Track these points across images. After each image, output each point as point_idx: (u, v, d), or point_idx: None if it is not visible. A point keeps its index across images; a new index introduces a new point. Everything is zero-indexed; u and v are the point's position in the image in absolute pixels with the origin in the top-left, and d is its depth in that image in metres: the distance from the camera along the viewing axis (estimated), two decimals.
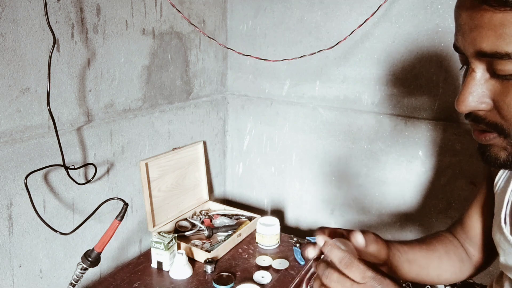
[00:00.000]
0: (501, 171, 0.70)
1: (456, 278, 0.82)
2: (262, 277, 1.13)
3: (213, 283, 1.10)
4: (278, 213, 1.62)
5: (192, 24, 1.36)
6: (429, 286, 0.96)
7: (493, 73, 0.47)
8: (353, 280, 0.55)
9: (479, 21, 0.45)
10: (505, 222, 0.65)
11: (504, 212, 0.66)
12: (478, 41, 0.46)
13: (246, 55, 1.43)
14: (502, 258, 0.67)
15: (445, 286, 0.95)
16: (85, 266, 0.87)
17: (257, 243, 1.30)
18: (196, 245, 1.25)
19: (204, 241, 1.29)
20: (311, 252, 0.63)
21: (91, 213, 1.01)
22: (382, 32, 1.27)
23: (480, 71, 0.48)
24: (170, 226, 1.33)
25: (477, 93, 0.49)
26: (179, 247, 1.21)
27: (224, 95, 1.64)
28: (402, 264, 0.75)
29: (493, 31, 0.44)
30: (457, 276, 0.82)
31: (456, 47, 0.52)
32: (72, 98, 1.02)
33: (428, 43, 1.20)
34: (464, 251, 0.82)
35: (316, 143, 1.47)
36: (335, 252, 0.57)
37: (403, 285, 1.04)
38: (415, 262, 0.77)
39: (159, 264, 1.16)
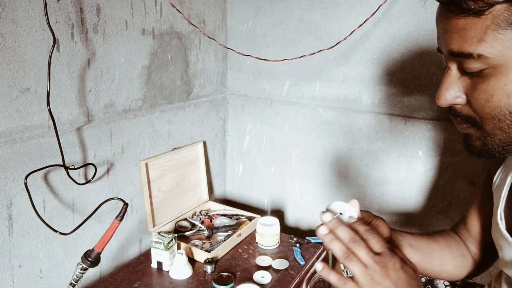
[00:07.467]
0: (498, 170, 0.72)
1: (458, 272, 0.83)
2: (262, 277, 1.13)
3: (213, 283, 1.10)
4: (278, 213, 1.62)
5: (192, 24, 1.36)
6: (429, 286, 0.96)
7: (463, 71, 0.54)
8: (373, 252, 0.60)
9: (448, 26, 0.52)
10: (501, 219, 0.67)
11: (500, 208, 0.67)
12: (449, 43, 0.53)
13: (246, 55, 1.43)
14: (499, 254, 0.69)
15: (446, 286, 0.95)
16: (85, 266, 0.87)
17: (257, 243, 1.30)
18: (196, 245, 1.25)
19: (204, 241, 1.29)
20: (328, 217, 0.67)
21: (91, 213, 1.01)
22: (382, 32, 1.27)
23: (454, 69, 0.55)
24: (170, 226, 1.33)
25: (453, 89, 0.56)
26: (179, 247, 1.21)
27: (224, 95, 1.64)
28: (406, 248, 0.77)
29: (458, 34, 0.51)
30: (458, 269, 0.83)
31: (438, 49, 0.58)
32: (72, 98, 1.02)
33: (428, 43, 1.20)
34: (465, 248, 0.84)
35: (316, 143, 1.47)
36: (363, 226, 0.63)
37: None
38: (418, 248, 0.80)
39: (159, 264, 1.16)
